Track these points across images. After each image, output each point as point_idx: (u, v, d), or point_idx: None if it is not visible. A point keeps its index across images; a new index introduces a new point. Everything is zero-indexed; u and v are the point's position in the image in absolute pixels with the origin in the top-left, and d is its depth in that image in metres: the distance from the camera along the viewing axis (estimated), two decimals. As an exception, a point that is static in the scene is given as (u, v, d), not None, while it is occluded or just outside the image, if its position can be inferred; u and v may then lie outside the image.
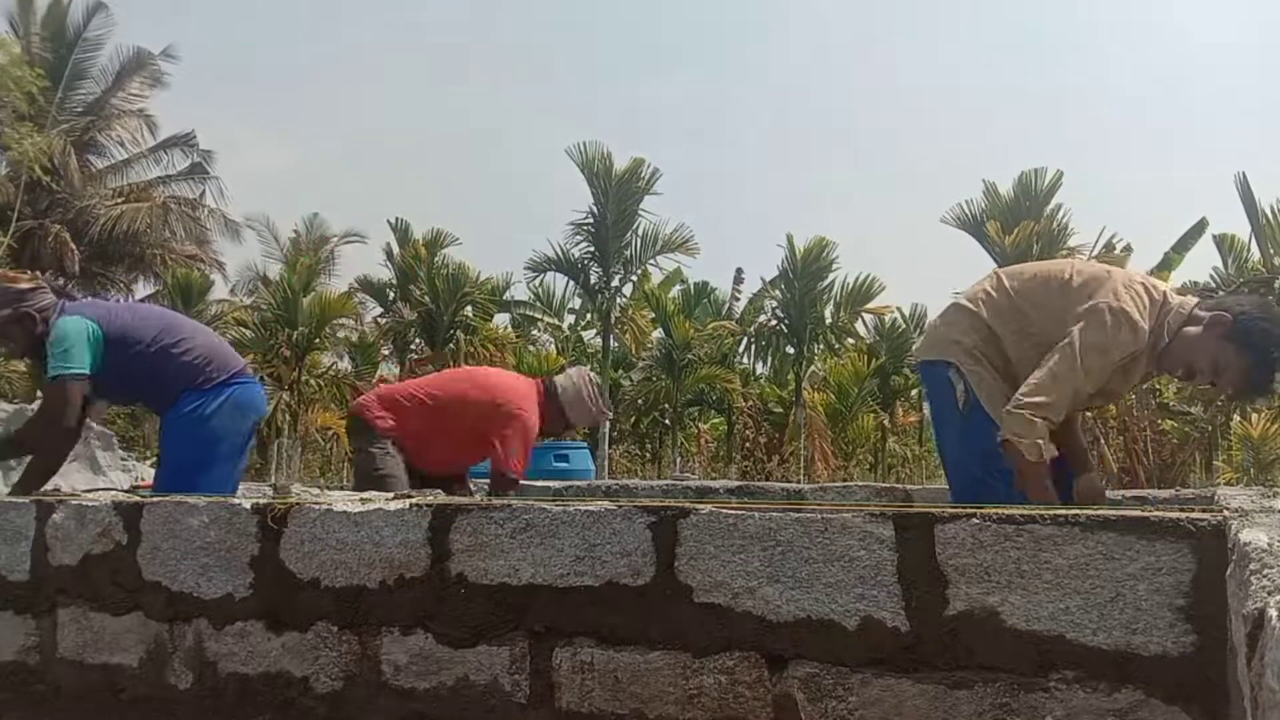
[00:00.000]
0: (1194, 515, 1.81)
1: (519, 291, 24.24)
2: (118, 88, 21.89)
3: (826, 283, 21.65)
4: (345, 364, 25.28)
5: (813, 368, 22.75)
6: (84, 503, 2.75)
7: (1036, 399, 2.82)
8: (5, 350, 3.61)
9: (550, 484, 4.83)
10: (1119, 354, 2.88)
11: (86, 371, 3.32)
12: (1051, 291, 3.03)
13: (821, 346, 22.76)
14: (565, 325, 25.74)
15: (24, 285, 3.43)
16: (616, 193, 19.24)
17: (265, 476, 17.46)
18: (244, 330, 22.04)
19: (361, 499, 2.51)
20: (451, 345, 22.27)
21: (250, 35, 66.57)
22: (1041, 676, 1.82)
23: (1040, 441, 2.81)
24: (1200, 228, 19.67)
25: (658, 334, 23.46)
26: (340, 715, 2.32)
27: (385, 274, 24.15)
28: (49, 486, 3.46)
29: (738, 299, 26.41)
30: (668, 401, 22.87)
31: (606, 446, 19.30)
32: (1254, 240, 17.18)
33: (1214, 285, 18.27)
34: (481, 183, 58.38)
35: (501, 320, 24.56)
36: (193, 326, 3.74)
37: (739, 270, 27.53)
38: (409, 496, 2.57)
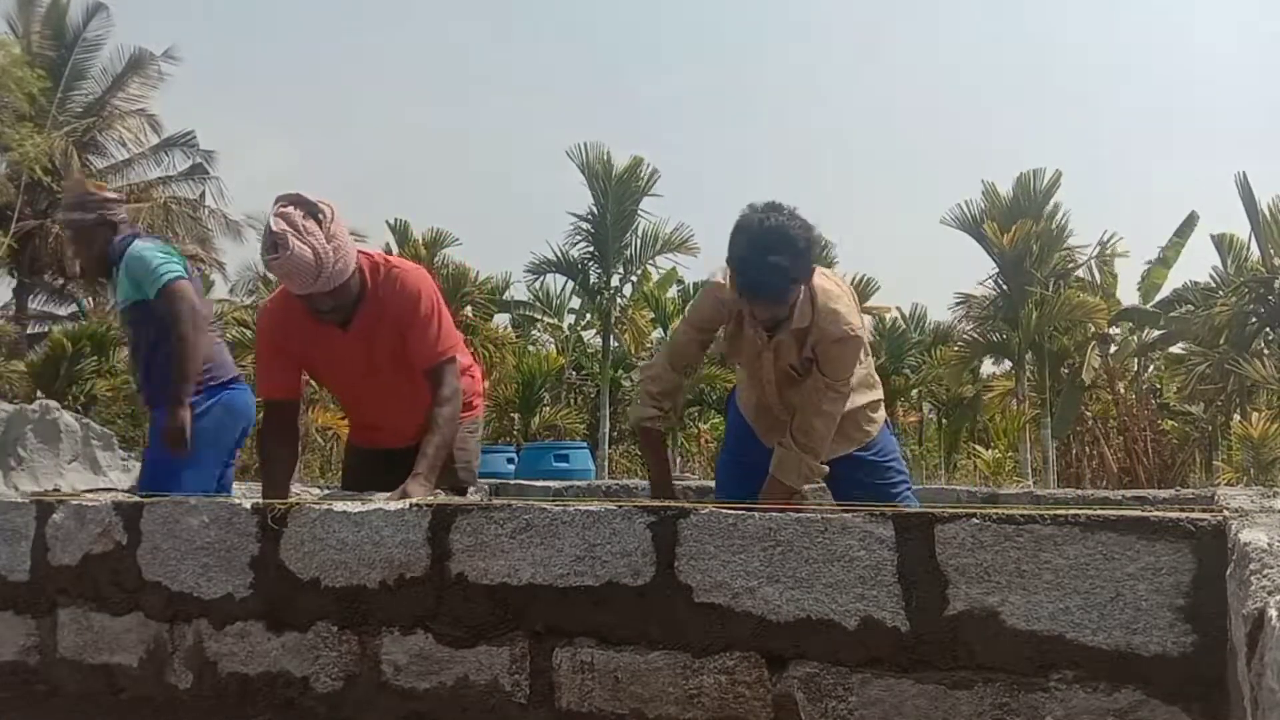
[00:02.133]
0: (1194, 515, 1.81)
1: (519, 291, 24.21)
2: (118, 88, 21.88)
3: (826, 283, 21.66)
4: (345, 364, 25.17)
5: (813, 367, 22.71)
6: (84, 503, 2.75)
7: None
8: (77, 256, 3.66)
9: (550, 484, 4.82)
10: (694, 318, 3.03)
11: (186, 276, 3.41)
12: None
13: (821, 346, 22.75)
14: (565, 325, 25.73)
15: (109, 194, 3.56)
16: (616, 192, 19.22)
17: (265, 476, 17.36)
18: (244, 330, 22.00)
19: (361, 499, 2.51)
20: (452, 345, 22.20)
21: (250, 35, 66.61)
22: (1041, 676, 1.82)
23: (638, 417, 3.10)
24: (1191, 223, 19.70)
25: (657, 334, 23.45)
26: (340, 715, 2.32)
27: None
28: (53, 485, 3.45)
29: (735, 298, 26.41)
30: (668, 401, 22.83)
31: (606, 446, 19.29)
32: (1254, 240, 17.19)
33: (1214, 285, 18.31)
34: (481, 182, 58.42)
35: (502, 320, 24.53)
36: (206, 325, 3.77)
37: (735, 269, 27.62)
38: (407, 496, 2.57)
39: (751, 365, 3.01)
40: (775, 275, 2.62)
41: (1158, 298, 19.92)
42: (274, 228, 2.71)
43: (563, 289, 22.66)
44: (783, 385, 2.94)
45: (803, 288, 2.74)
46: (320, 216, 2.77)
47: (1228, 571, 1.65)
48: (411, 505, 2.34)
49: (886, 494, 2.99)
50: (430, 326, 2.95)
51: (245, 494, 3.44)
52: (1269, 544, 1.43)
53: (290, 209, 2.75)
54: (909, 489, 3.17)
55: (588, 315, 24.29)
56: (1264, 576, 1.35)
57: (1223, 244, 18.39)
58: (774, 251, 2.60)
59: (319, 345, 2.96)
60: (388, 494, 2.64)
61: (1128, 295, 20.38)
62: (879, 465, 3.09)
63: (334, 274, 2.76)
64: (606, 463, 18.78)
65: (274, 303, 3.07)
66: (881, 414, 3.17)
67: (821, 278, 2.82)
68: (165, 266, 3.43)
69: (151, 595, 2.57)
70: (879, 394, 3.17)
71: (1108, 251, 18.83)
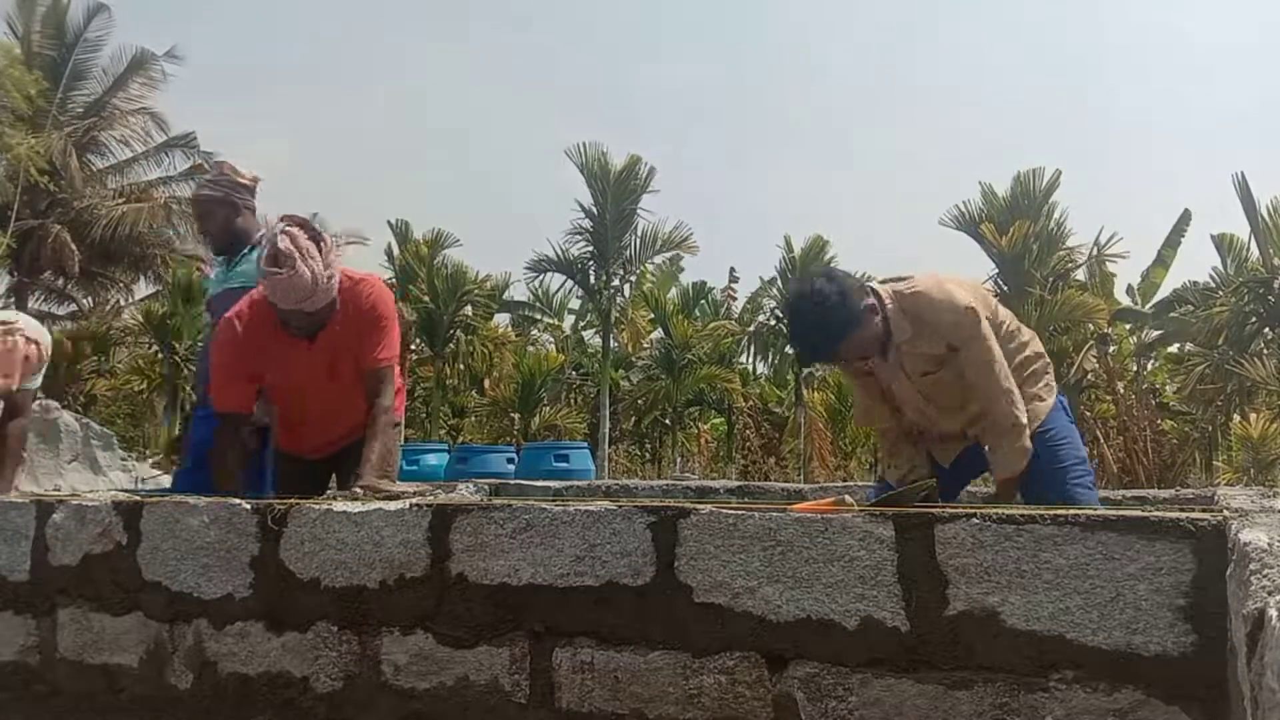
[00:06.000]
0: (1194, 515, 1.81)
1: (519, 291, 24.23)
2: (119, 88, 21.86)
3: (826, 282, 21.66)
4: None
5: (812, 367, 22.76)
6: (84, 503, 2.75)
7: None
8: (203, 232, 3.80)
9: (550, 484, 4.82)
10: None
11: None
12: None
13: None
14: (566, 325, 25.75)
15: (243, 179, 3.74)
16: (615, 192, 19.26)
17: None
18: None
19: (362, 499, 2.52)
20: (452, 345, 22.27)
21: (250, 35, 66.62)
22: (1041, 676, 1.82)
23: None
24: (1185, 220, 19.72)
25: (657, 334, 23.48)
26: (340, 715, 2.32)
27: (385, 274, 24.17)
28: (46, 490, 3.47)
29: (734, 298, 26.51)
30: (668, 401, 22.87)
31: (606, 446, 19.30)
32: (1253, 240, 17.20)
33: (1214, 286, 18.33)
34: (482, 182, 58.41)
35: (502, 320, 24.55)
36: None
37: (732, 270, 27.80)
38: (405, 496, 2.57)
39: (898, 399, 2.99)
40: (822, 341, 2.86)
41: (1156, 298, 19.94)
42: (280, 246, 2.82)
43: (560, 286, 22.68)
44: (931, 397, 2.95)
45: (876, 317, 2.81)
46: (321, 244, 2.90)
47: (1228, 571, 1.65)
48: (411, 505, 2.34)
49: (1059, 477, 2.89)
50: (384, 333, 3.13)
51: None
52: (1269, 544, 1.43)
53: (297, 230, 2.87)
54: (1087, 474, 3.01)
55: (588, 315, 24.31)
56: (1264, 576, 1.35)
57: (1223, 244, 18.40)
58: (811, 324, 2.83)
59: (279, 356, 3.06)
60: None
61: (1126, 295, 20.39)
62: (1050, 446, 2.93)
63: (321, 296, 2.92)
64: (606, 463, 18.79)
65: (243, 316, 3.09)
66: (1049, 395, 3.04)
67: (896, 289, 2.86)
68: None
69: (151, 595, 2.57)
70: (1041, 368, 3.05)
71: (1108, 250, 18.85)
